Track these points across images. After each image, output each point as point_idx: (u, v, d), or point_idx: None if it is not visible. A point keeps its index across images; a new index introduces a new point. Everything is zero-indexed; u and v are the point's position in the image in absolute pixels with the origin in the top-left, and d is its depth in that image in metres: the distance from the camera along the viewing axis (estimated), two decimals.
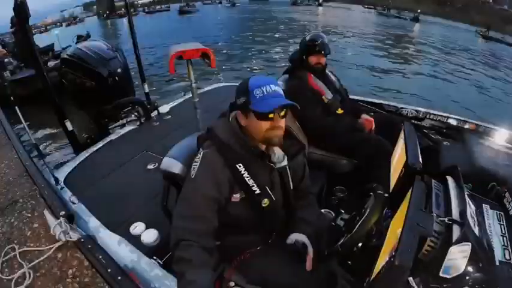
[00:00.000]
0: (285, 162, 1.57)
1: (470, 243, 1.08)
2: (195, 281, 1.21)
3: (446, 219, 1.21)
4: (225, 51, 17.43)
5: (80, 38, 7.53)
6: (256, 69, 13.53)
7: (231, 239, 1.62)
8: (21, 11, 2.57)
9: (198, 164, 1.46)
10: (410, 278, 1.09)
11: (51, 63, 8.50)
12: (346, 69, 13.11)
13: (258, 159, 1.49)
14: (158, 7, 65.23)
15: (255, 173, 1.49)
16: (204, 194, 1.40)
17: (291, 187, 1.64)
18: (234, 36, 23.67)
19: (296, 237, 1.55)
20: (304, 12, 44.81)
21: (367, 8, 53.71)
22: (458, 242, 1.09)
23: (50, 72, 3.02)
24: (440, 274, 1.07)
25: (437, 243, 1.16)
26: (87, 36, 7.93)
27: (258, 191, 1.50)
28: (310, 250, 1.50)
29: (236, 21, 36.68)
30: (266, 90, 1.39)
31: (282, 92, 1.43)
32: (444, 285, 1.08)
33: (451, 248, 1.08)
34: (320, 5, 57.42)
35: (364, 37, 23.69)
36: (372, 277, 1.16)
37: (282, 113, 1.42)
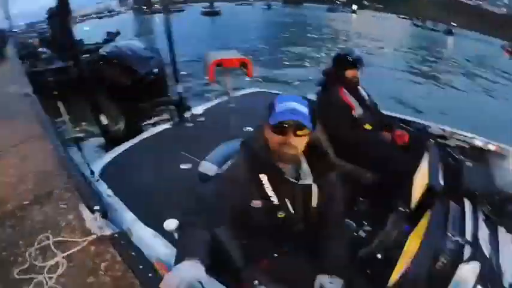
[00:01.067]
0: (310, 181, 1.60)
1: (479, 263, 1.15)
2: (194, 236, 1.35)
3: (459, 240, 1.29)
4: (261, 57, 17.37)
5: (109, 35, 7.64)
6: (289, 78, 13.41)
7: (256, 241, 1.69)
8: (63, 7, 2.68)
9: (228, 165, 1.60)
10: None
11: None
12: (375, 82, 12.92)
13: (277, 174, 1.55)
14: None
15: (276, 185, 1.55)
16: (220, 192, 1.50)
17: (313, 205, 1.66)
18: (269, 41, 23.39)
19: (321, 283, 1.55)
20: (338, 20, 44.40)
21: (402, 18, 52.92)
22: (468, 260, 1.16)
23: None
24: None
25: (449, 260, 1.23)
26: (117, 34, 8.04)
27: (276, 202, 1.57)
28: None
29: (273, 25, 36.31)
30: (286, 106, 1.43)
31: (304, 111, 1.44)
32: None
33: (460, 265, 1.15)
34: (354, 12, 56.82)
35: (397, 48, 23.34)
36: (389, 285, 1.22)
37: (298, 132, 1.44)
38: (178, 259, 1.26)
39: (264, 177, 1.54)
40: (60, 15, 2.88)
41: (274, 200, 1.56)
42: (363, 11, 58.61)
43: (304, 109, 1.45)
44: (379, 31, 33.22)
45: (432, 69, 17.69)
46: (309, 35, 27.47)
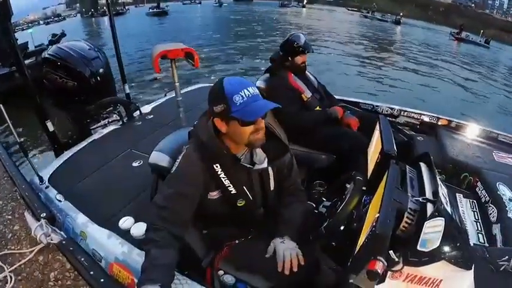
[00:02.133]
0: (265, 164, 1.60)
1: (443, 218, 1.15)
2: (158, 258, 1.31)
3: (420, 199, 1.30)
4: (214, 53, 17.34)
5: (54, 37, 7.44)
6: (242, 70, 13.46)
7: (215, 230, 1.70)
8: (3, 9, 2.55)
9: (179, 160, 1.53)
10: (391, 252, 1.15)
11: (25, 62, 8.36)
12: (325, 69, 13.21)
13: (233, 161, 1.53)
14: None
15: (232, 173, 1.54)
16: (177, 191, 1.46)
17: (271, 188, 1.67)
18: (220, 37, 23.42)
19: (275, 245, 1.57)
20: (289, 14, 44.91)
21: (350, 10, 54.11)
22: (432, 216, 1.16)
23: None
24: (418, 248, 1.13)
25: (414, 219, 1.25)
26: (62, 35, 7.84)
27: (234, 191, 1.56)
28: (287, 257, 1.51)
29: (225, 22, 36.17)
30: (246, 95, 1.39)
31: (258, 92, 1.44)
32: (422, 259, 1.13)
33: (426, 223, 1.15)
34: (304, 6, 57.50)
35: (345, 38, 23.86)
36: (355, 252, 1.24)
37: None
38: (140, 283, 1.25)
39: (217, 167, 1.51)
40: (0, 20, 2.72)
41: (232, 189, 1.55)
42: (312, 5, 59.50)
43: (255, 88, 1.44)
44: (328, 23, 33.92)
45: (375, 54, 18.27)
46: (259, 28, 27.69)
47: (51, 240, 1.97)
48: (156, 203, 1.48)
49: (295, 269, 1.46)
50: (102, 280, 1.68)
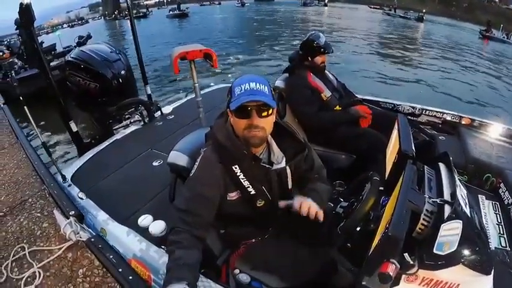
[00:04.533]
0: (283, 164, 1.59)
1: (461, 221, 1.13)
2: (182, 258, 1.30)
3: (438, 200, 1.26)
4: (236, 54, 17.34)
5: (81, 38, 7.61)
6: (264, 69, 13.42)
7: (233, 229, 1.71)
8: (26, 14, 2.63)
9: (198, 162, 1.54)
10: (406, 254, 1.14)
11: (53, 63, 8.60)
12: (347, 68, 13.05)
13: (252, 161, 1.53)
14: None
15: (251, 173, 1.53)
16: (197, 194, 1.46)
17: (289, 187, 1.67)
18: (246, 37, 23.24)
19: (298, 198, 1.55)
20: (312, 13, 44.61)
21: (373, 8, 53.43)
22: (449, 219, 1.14)
23: (52, 71, 3.06)
24: (434, 251, 1.11)
25: (430, 222, 1.22)
26: (88, 37, 8.00)
27: (253, 192, 1.55)
28: (304, 203, 1.50)
29: (249, 22, 36.00)
30: (244, 88, 1.40)
31: (264, 91, 1.42)
32: (439, 262, 1.12)
33: (442, 225, 1.13)
34: (325, 5, 56.96)
35: (368, 36, 23.52)
36: (370, 253, 1.22)
37: (263, 114, 1.42)
38: (167, 282, 1.24)
39: (236, 168, 1.51)
40: (23, 23, 2.80)
41: (251, 189, 1.54)
42: (334, 4, 58.99)
43: (264, 87, 1.43)
44: (350, 22, 33.52)
45: (398, 53, 17.95)
46: (284, 28, 27.60)
47: (80, 237, 2.04)
48: (177, 206, 1.49)
49: (312, 217, 1.47)
50: (130, 278, 1.72)
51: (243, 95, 1.39)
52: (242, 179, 1.53)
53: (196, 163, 1.54)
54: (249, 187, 1.54)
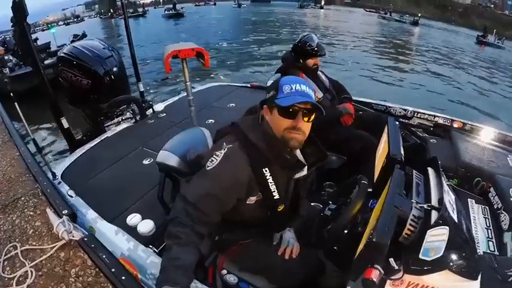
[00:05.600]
0: (305, 171, 1.56)
1: (447, 227, 1.12)
2: (179, 258, 1.26)
3: (425, 205, 1.25)
4: (232, 52, 17.35)
5: (75, 37, 7.61)
6: (261, 70, 13.41)
7: (229, 234, 1.65)
8: (19, 10, 2.60)
9: (219, 158, 1.42)
10: (391, 259, 1.13)
11: (47, 61, 8.56)
12: (342, 71, 13.09)
13: (283, 167, 1.49)
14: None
15: (278, 178, 1.49)
16: (212, 194, 1.38)
17: (302, 194, 1.67)
18: (243, 37, 23.27)
19: (282, 233, 1.63)
20: (308, 15, 44.75)
21: (368, 11, 53.64)
22: (435, 225, 1.13)
23: (46, 69, 3.04)
24: (420, 256, 1.11)
25: (417, 227, 1.21)
26: (83, 36, 8.04)
27: (277, 197, 1.50)
28: (291, 243, 1.58)
29: (246, 23, 35.94)
30: (295, 88, 1.38)
31: (312, 95, 1.41)
32: (424, 267, 1.11)
33: (428, 231, 1.12)
34: (322, 7, 57.19)
35: (363, 39, 23.61)
36: (354, 258, 1.21)
37: (306, 118, 1.40)
38: (160, 283, 1.22)
39: (266, 171, 1.46)
40: (16, 21, 2.77)
41: (276, 194, 1.50)
42: (330, 6, 59.28)
43: (311, 92, 1.41)
44: (346, 25, 33.67)
45: (393, 56, 18.04)
46: (281, 29, 27.72)
47: (73, 237, 2.00)
48: (184, 197, 1.38)
49: (294, 256, 1.55)
50: (123, 278, 1.69)
51: (295, 94, 1.37)
52: (271, 183, 1.47)
53: (216, 157, 1.42)
54: (274, 191, 1.49)
